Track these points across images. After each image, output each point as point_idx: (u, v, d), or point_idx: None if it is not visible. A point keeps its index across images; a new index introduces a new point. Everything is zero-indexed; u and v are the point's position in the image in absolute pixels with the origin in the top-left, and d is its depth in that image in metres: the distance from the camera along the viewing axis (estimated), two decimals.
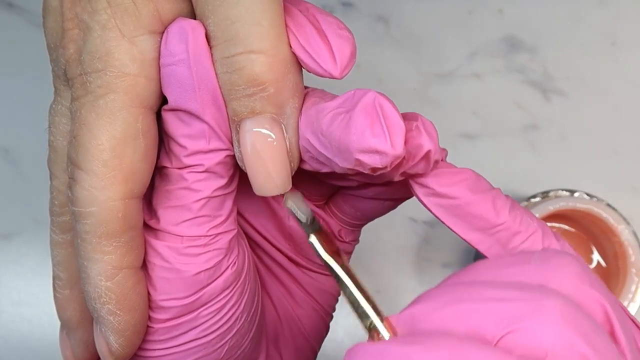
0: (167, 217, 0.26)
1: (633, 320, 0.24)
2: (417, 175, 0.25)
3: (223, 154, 0.25)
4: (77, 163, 0.24)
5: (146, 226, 0.26)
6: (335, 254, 0.25)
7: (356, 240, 0.32)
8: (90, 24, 0.24)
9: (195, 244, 0.25)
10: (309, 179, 0.29)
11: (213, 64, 0.24)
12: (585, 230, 0.48)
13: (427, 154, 0.24)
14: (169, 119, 0.25)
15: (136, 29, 0.24)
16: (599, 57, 0.52)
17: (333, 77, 0.24)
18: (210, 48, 0.24)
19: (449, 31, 0.53)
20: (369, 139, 0.22)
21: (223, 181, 0.26)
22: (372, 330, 0.23)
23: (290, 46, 0.24)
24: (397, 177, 0.25)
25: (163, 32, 0.25)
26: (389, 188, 0.28)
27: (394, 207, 0.30)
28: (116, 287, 0.25)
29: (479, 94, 0.52)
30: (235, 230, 0.27)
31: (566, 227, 0.49)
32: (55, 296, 0.28)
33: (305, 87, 0.26)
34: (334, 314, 0.33)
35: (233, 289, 0.27)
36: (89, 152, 0.24)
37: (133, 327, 0.25)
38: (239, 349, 0.28)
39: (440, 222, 0.25)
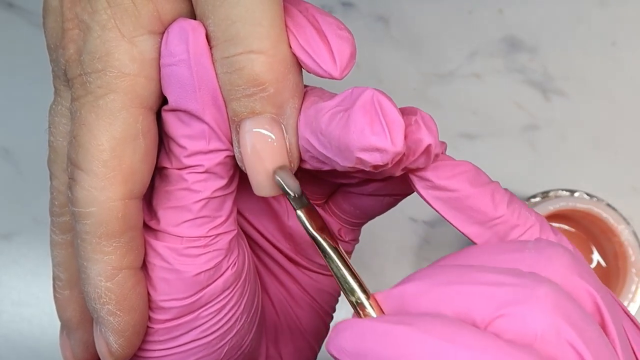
0: (167, 217, 0.26)
1: (626, 312, 0.24)
2: (418, 169, 0.25)
3: (223, 154, 0.25)
4: (77, 163, 0.24)
5: (146, 227, 0.26)
6: (323, 230, 0.25)
7: (356, 240, 0.32)
8: (90, 24, 0.24)
9: (195, 245, 0.25)
10: (308, 178, 0.29)
11: (213, 64, 0.24)
12: (585, 230, 0.48)
13: (428, 148, 0.24)
14: (169, 119, 0.25)
15: (136, 29, 0.24)
16: (599, 57, 0.52)
17: (333, 78, 0.24)
18: (210, 48, 0.24)
19: (449, 31, 0.53)
20: (369, 137, 0.22)
21: (223, 182, 0.26)
22: (358, 305, 0.23)
23: (290, 46, 0.24)
24: (398, 173, 0.25)
25: (163, 32, 0.25)
26: (389, 183, 0.28)
27: (393, 204, 0.30)
28: (116, 287, 0.25)
29: (479, 94, 0.52)
30: (235, 231, 0.27)
31: (566, 227, 0.49)
32: (55, 297, 0.28)
33: (304, 86, 0.26)
34: (334, 314, 0.33)
35: (233, 289, 0.27)
36: (88, 153, 0.24)
37: (133, 327, 0.25)
38: (239, 350, 0.28)
39: (440, 221, 0.25)
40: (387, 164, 0.23)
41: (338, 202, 0.30)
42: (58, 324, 0.29)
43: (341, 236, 0.31)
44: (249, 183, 0.25)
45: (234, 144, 0.25)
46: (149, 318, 0.26)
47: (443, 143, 0.26)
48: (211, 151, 0.25)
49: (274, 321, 0.31)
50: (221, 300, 0.26)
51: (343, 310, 0.33)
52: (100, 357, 0.26)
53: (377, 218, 0.31)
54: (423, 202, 0.26)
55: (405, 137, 0.23)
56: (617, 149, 0.52)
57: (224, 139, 0.25)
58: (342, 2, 0.53)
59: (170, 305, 0.26)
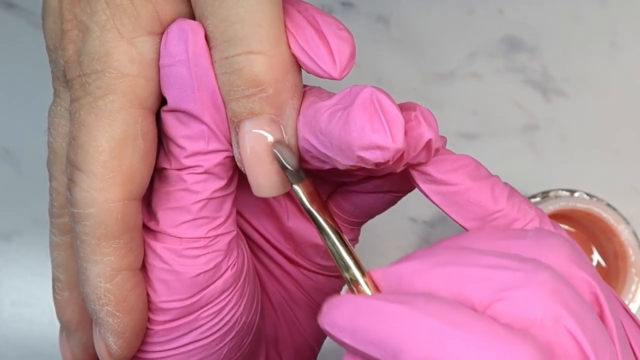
0: (166, 218, 0.26)
1: (626, 309, 0.24)
2: (418, 163, 0.25)
3: (222, 155, 0.25)
4: (76, 164, 0.24)
5: (145, 228, 0.26)
6: (320, 206, 0.25)
7: (356, 240, 0.32)
8: (89, 25, 0.24)
9: (195, 246, 0.25)
10: None
11: (212, 65, 0.24)
12: (585, 230, 0.48)
13: (428, 143, 0.24)
14: (168, 119, 0.25)
15: (135, 30, 0.24)
16: (599, 57, 0.52)
17: (332, 78, 0.24)
18: (210, 49, 0.24)
19: (449, 31, 0.52)
20: (369, 135, 0.22)
21: (222, 182, 0.26)
22: (352, 282, 0.23)
23: (290, 47, 0.24)
24: (400, 169, 0.25)
25: (162, 33, 0.25)
26: (389, 180, 0.28)
27: (393, 202, 0.30)
28: (115, 288, 0.25)
29: (479, 94, 0.52)
30: (235, 232, 0.27)
31: (566, 227, 0.49)
32: (54, 298, 0.28)
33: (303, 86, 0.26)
34: None
35: (232, 290, 0.27)
36: (88, 154, 0.24)
37: (132, 328, 0.25)
38: (239, 351, 0.28)
39: (440, 222, 0.25)
40: (388, 161, 0.23)
41: (338, 202, 0.30)
42: (58, 324, 0.29)
43: None
44: (249, 184, 0.25)
45: (233, 144, 0.25)
46: (149, 319, 0.26)
47: (443, 137, 0.26)
48: (210, 152, 0.25)
49: (273, 322, 0.31)
50: (221, 301, 0.26)
51: None
52: (100, 359, 0.26)
53: (377, 218, 0.31)
54: (423, 203, 0.26)
55: (406, 133, 0.23)
56: (617, 149, 0.52)
57: (223, 139, 0.25)
58: (342, 2, 0.52)
59: (169, 306, 0.26)
